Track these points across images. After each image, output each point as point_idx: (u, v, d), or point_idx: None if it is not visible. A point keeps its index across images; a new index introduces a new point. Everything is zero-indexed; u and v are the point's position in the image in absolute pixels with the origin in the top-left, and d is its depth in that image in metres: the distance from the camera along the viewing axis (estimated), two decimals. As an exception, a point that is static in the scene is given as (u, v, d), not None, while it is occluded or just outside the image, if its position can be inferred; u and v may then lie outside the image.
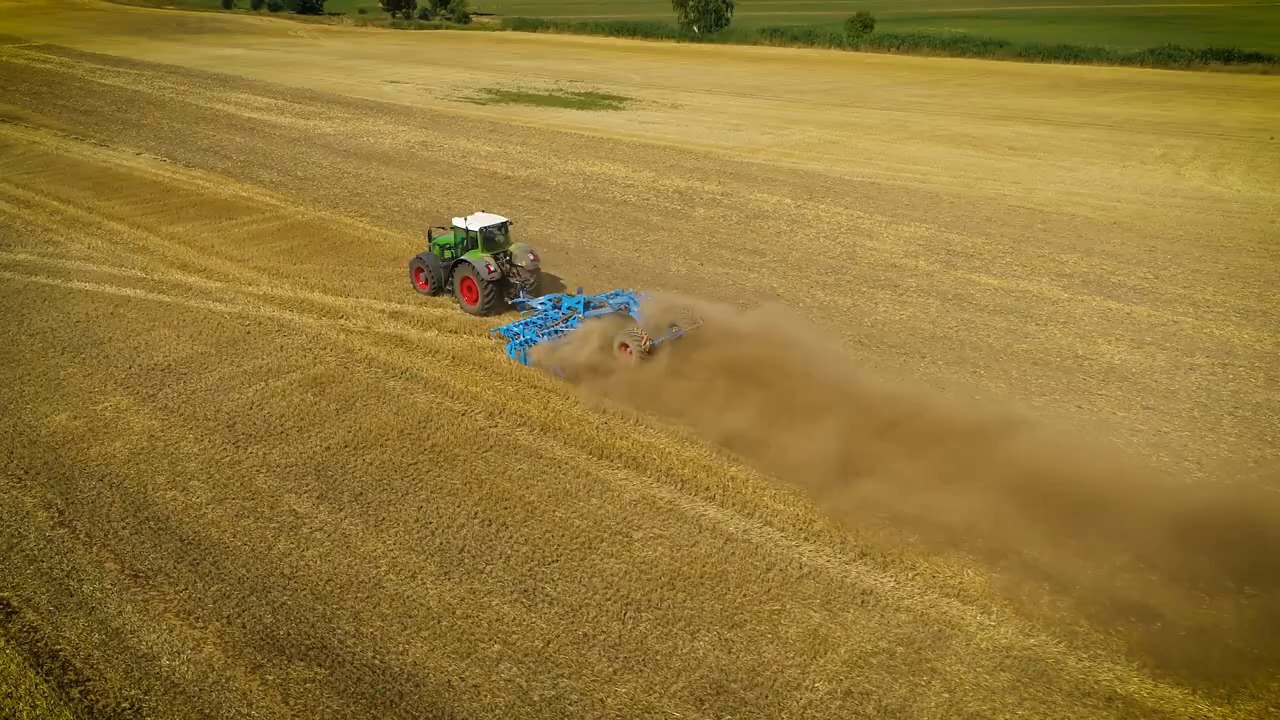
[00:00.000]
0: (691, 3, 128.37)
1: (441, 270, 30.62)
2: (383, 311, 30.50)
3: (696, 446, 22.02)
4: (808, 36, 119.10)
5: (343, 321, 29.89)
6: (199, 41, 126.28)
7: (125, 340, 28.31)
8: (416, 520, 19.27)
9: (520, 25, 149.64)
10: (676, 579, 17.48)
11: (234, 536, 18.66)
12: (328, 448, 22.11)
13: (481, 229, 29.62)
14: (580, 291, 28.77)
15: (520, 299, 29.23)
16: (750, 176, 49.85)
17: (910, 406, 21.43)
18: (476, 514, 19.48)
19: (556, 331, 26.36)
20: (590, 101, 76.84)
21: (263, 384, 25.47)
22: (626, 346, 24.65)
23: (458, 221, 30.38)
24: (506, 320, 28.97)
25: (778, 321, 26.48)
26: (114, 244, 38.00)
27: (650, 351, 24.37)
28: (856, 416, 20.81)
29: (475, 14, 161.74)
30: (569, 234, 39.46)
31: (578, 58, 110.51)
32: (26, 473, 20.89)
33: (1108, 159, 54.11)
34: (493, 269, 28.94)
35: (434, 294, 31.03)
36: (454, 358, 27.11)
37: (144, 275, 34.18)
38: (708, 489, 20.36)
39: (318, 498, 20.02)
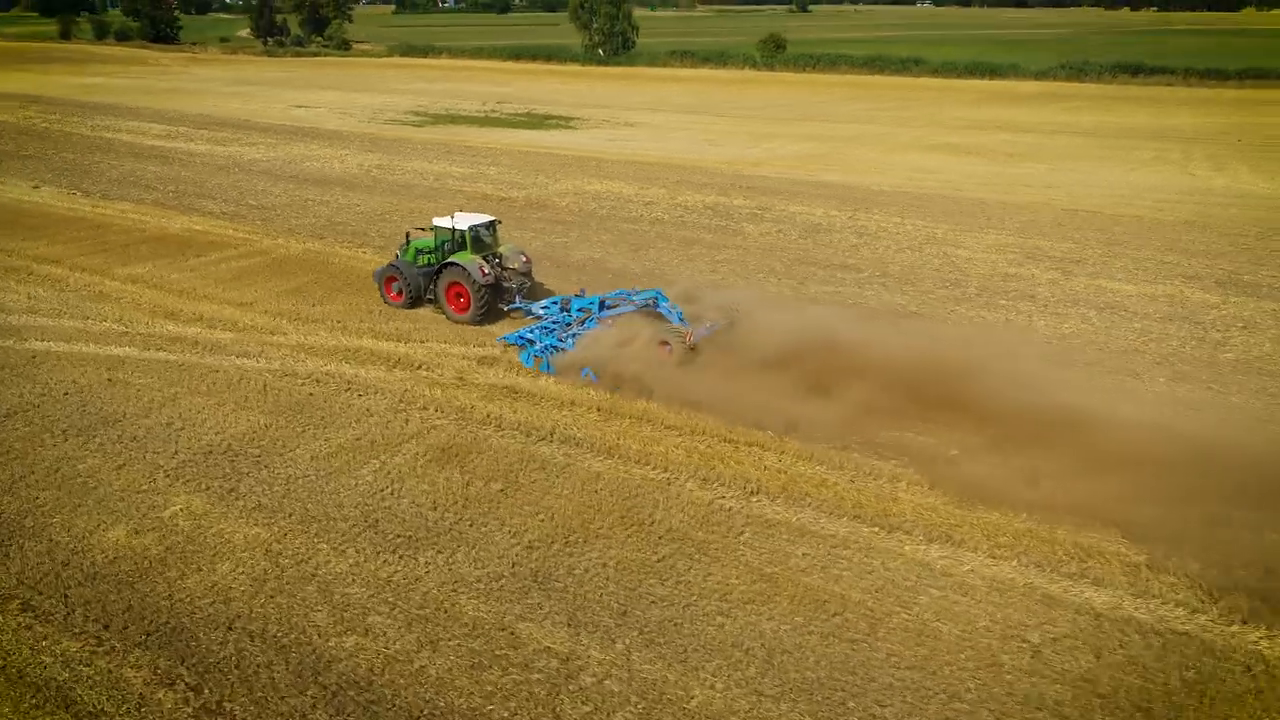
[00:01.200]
0: (596, 25, 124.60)
1: (420, 278, 27.15)
2: (470, 358, 24.35)
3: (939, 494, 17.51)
4: (720, 58, 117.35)
5: (426, 373, 23.57)
6: (49, 70, 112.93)
7: (149, 415, 21.10)
8: (734, 645, 13.62)
9: (408, 51, 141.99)
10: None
11: (493, 704, 12.50)
12: (528, 546, 16.08)
13: (470, 228, 26.34)
14: (582, 292, 26.48)
15: (517, 304, 26.46)
16: (773, 190, 45.82)
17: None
18: (802, 626, 14.02)
19: (573, 335, 24.00)
20: (536, 122, 71.41)
21: (377, 462, 19.02)
22: (667, 344, 22.57)
23: (440, 221, 27.07)
24: (498, 329, 26.04)
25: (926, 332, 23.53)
26: (62, 291, 30.03)
27: (693, 348, 22.44)
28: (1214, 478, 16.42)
29: (355, 41, 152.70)
30: (623, 257, 34.11)
31: (488, 81, 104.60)
32: (107, 627, 13.93)
33: (1111, 162, 53.18)
34: (487, 272, 25.76)
35: (410, 306, 27.50)
36: (599, 409, 21.40)
37: (124, 329, 26.64)
38: (1056, 561, 15.60)
39: (568, 624, 14.05)
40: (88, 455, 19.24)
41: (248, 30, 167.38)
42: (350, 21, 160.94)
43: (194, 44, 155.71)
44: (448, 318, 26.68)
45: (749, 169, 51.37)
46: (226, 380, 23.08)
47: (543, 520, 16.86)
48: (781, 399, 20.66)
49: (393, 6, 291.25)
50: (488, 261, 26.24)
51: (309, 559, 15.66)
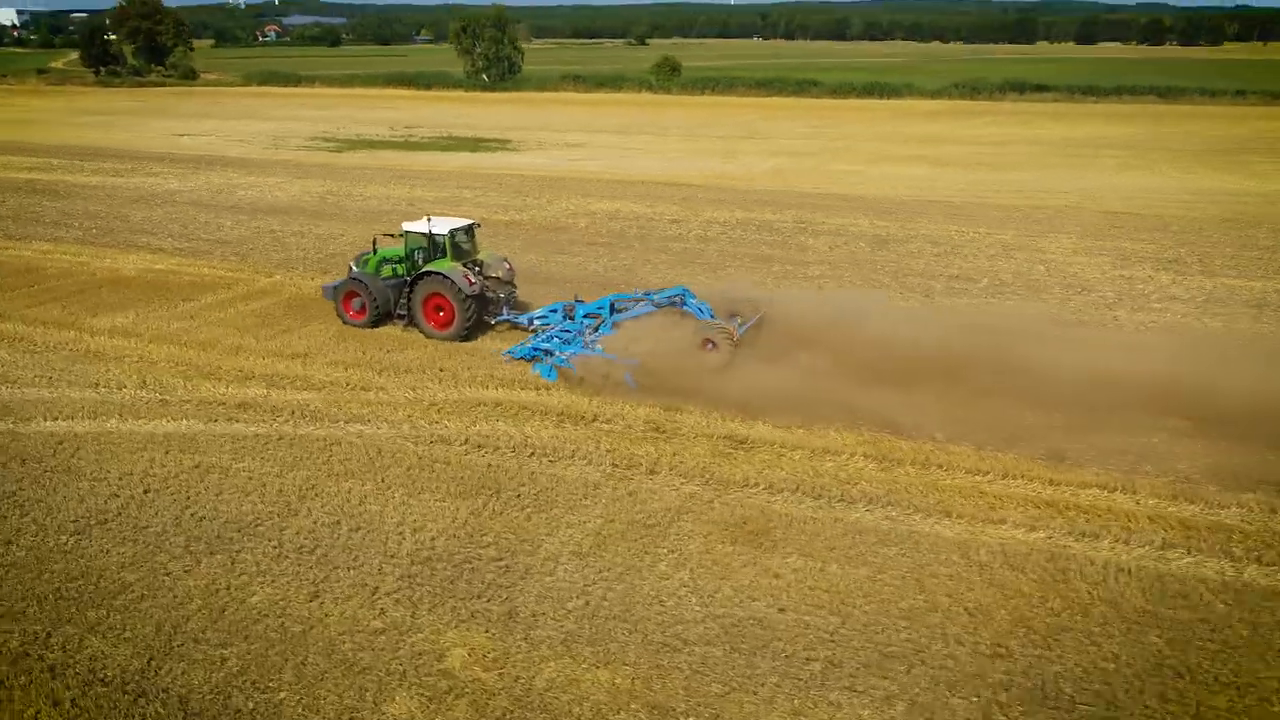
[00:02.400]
0: (480, 50, 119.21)
1: (390, 291, 24.13)
2: (650, 404, 19.50)
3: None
4: (614, 81, 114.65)
5: (608, 425, 18.63)
6: None
7: (297, 514, 15.19)
8: None
9: (268, 80, 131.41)
10: None
11: None
12: (994, 654, 11.70)
13: (451, 232, 23.42)
14: (577, 298, 24.12)
15: (504, 316, 23.94)
16: (793, 204, 42.77)
17: None
18: None
19: (578, 341, 21.83)
20: (468, 145, 65.76)
21: (662, 551, 14.07)
22: (711, 343, 20.59)
23: (412, 226, 24.03)
24: (488, 345, 23.35)
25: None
26: (33, 352, 22.98)
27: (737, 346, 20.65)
28: None
29: (201, 71, 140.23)
30: (706, 277, 29.78)
31: (376, 107, 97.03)
32: None
33: (1085, 168, 53.47)
34: (473, 281, 23.06)
35: (374, 324, 24.25)
36: (865, 455, 17.19)
37: (159, 396, 20.16)
38: None
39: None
40: (256, 583, 13.27)
41: (72, 60, 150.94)
42: (192, 50, 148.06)
43: (2, 75, 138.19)
44: (425, 335, 23.59)
45: (743, 184, 48.24)
46: (362, 456, 17.31)
47: (974, 620, 12.51)
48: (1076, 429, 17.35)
49: (211, 40, 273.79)
50: (469, 270, 23.38)
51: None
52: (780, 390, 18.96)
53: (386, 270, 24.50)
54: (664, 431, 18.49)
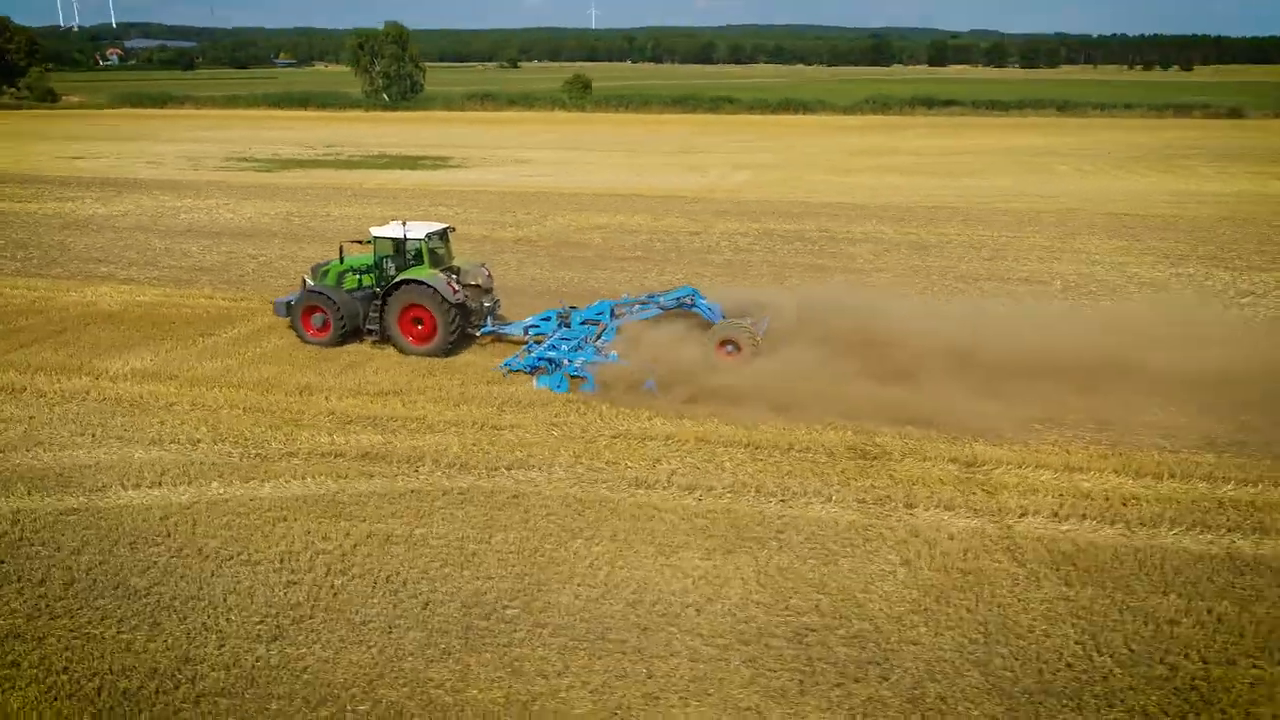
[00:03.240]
0: (379, 68, 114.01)
1: (358, 304, 22.02)
2: (954, 461, 17.18)
3: None
4: (525, 100, 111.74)
5: (991, 483, 16.19)
6: None
7: (560, 589, 12.11)
8: None
9: (140, 102, 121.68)
10: None
11: None
12: None
13: (428, 237, 21.57)
14: (562, 304, 22.18)
15: (489, 327, 22.12)
16: (798, 214, 41.45)
17: None
18: None
19: (589, 349, 20.16)
20: (407, 163, 61.64)
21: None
22: (731, 345, 19.27)
23: (383, 231, 21.91)
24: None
25: None
26: (49, 406, 18.68)
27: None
28: None
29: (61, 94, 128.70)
30: (774, 288, 27.76)
31: (275, 126, 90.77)
32: None
33: (1046, 174, 54.61)
34: (458, 290, 21.27)
35: (339, 341, 21.95)
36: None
37: (250, 450, 16.55)
38: None
39: None
40: (567, 688, 10.15)
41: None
42: (50, 70, 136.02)
43: None
44: (400, 351, 21.53)
45: (730, 195, 46.70)
46: (564, 509, 14.28)
47: None
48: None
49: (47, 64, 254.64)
50: (449, 277, 21.54)
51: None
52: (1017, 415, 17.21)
53: (350, 281, 22.39)
54: (870, 456, 16.21)
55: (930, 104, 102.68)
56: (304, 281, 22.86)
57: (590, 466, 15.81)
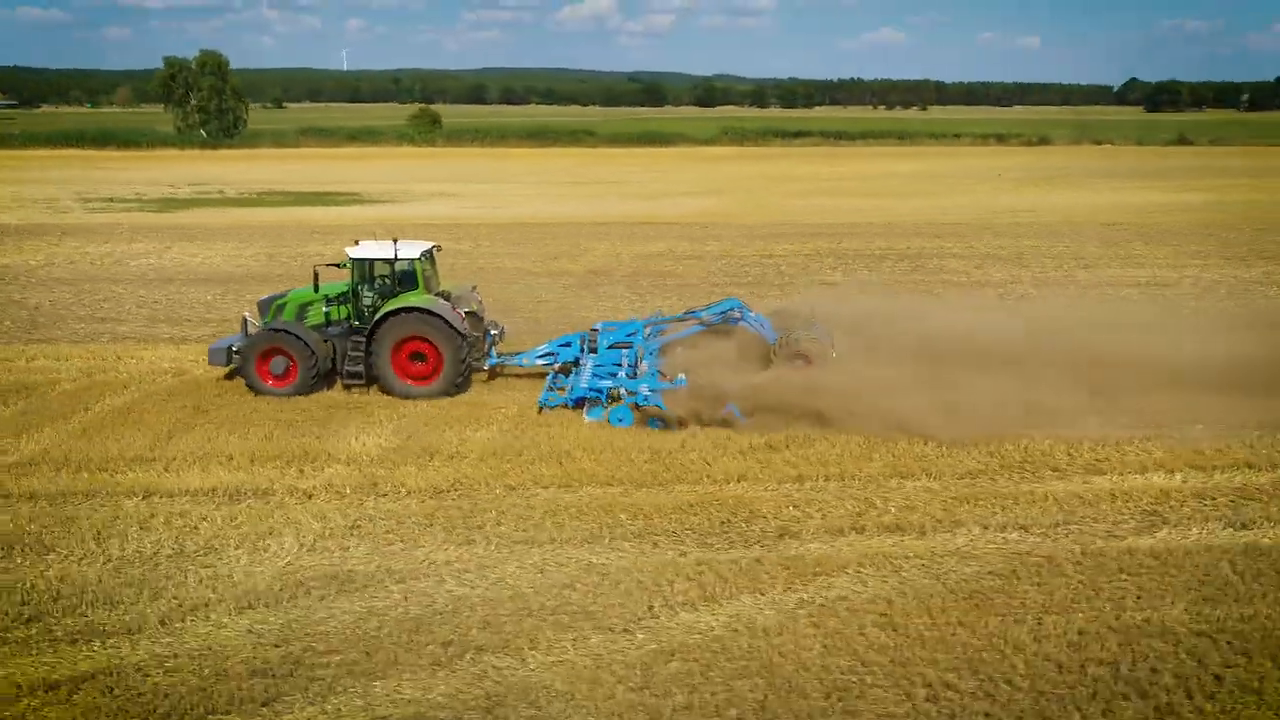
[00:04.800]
0: (195, 102, 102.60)
1: (334, 341, 18.87)
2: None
3: None
4: (369, 134, 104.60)
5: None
6: None
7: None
8: None
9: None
10: None
11: None
12: None
13: (423, 256, 18.90)
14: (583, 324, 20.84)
15: (496, 359, 19.82)
16: (811, 235, 40.81)
17: None
18: None
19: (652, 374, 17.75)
20: (314, 199, 54.99)
21: None
22: (803, 357, 17.93)
23: (365, 252, 18.82)
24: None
25: None
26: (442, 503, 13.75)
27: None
28: None
29: None
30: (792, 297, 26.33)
31: (106, 167, 78.67)
32: None
33: (985, 191, 57.38)
34: (464, 318, 18.82)
35: (308, 389, 18.39)
36: None
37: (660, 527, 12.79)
38: None
39: None
40: None
41: None
42: None
43: None
44: (393, 394, 18.33)
45: (717, 220, 45.26)
46: (1034, 574, 11.87)
47: None
48: None
49: None
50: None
51: None
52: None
53: (315, 315, 19.11)
54: None
55: (782, 134, 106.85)
56: (245, 321, 19.33)
57: (1014, 520, 13.44)
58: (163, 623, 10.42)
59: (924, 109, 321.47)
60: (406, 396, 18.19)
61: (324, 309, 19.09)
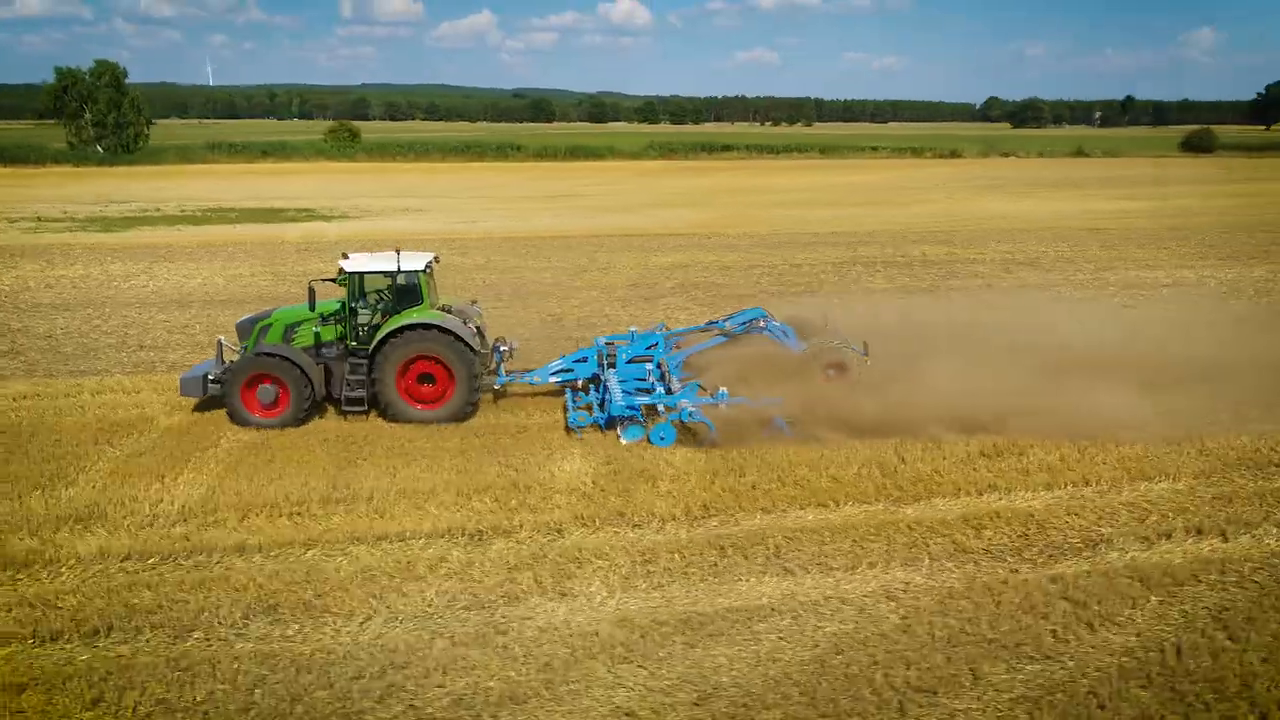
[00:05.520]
0: (88, 116, 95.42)
1: (332, 364, 17.28)
2: None
3: None
4: (282, 149, 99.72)
5: None
6: None
7: None
8: None
9: None
10: None
11: None
12: None
13: (427, 268, 17.50)
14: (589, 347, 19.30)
15: (505, 377, 18.21)
16: (835, 244, 40.68)
17: None
18: None
19: (691, 388, 17.07)
20: (268, 215, 51.71)
21: None
22: (836, 368, 17.48)
23: (363, 264, 17.17)
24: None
25: None
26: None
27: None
28: None
29: None
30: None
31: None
32: None
33: (936, 202, 58.98)
34: (474, 333, 17.64)
35: (301, 420, 16.69)
36: None
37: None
38: None
39: None
40: None
41: None
42: None
43: None
44: (397, 419, 16.78)
45: (727, 231, 44.69)
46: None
47: None
48: None
49: None
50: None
51: None
52: None
53: (304, 336, 17.34)
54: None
55: (710, 149, 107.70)
56: (220, 345, 17.66)
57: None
58: (549, 689, 8.99)
59: (809, 125, 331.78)
60: (410, 421, 16.69)
61: (314, 329, 17.36)
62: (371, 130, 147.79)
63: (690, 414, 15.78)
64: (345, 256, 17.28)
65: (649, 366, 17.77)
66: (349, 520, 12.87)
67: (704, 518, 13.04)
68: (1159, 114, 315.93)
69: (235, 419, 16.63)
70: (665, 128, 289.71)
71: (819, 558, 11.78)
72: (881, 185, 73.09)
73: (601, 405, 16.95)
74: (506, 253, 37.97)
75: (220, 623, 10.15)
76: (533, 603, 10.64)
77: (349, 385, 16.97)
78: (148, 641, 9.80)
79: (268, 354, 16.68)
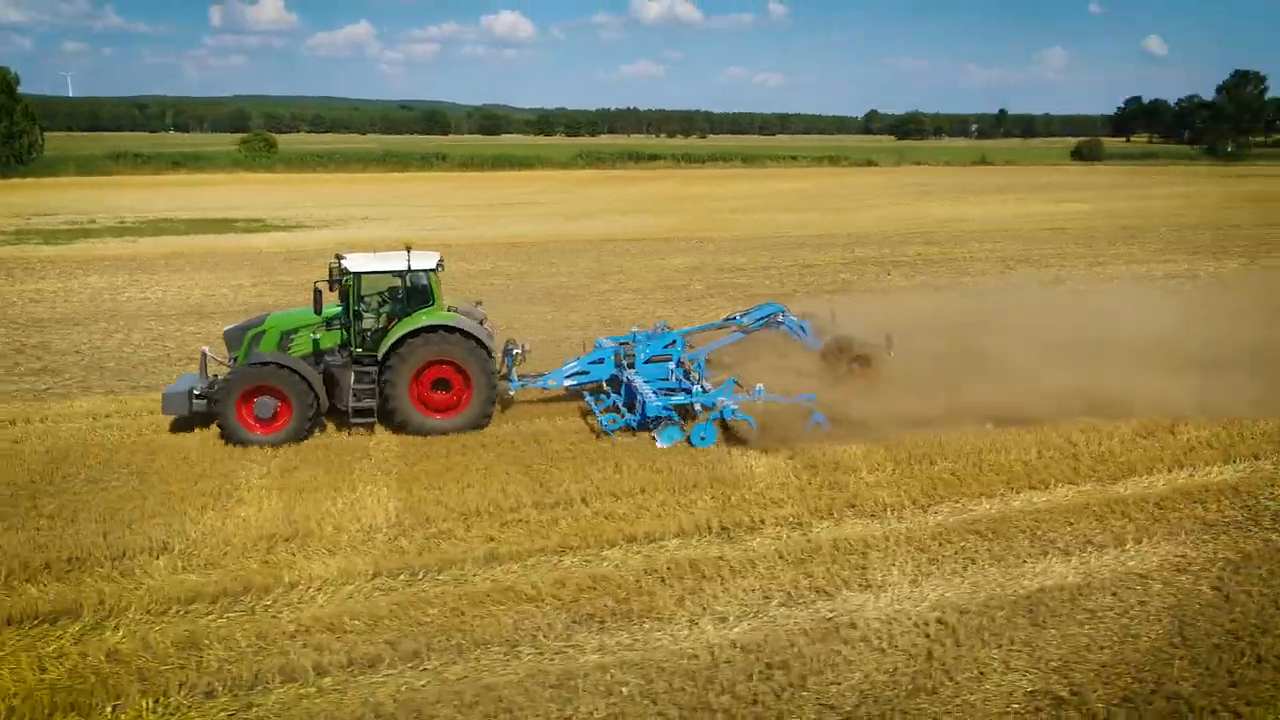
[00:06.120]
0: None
1: (337, 372, 15.95)
2: None
3: None
4: (195, 160, 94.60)
5: None
6: None
7: None
8: None
9: None
10: None
11: None
12: None
13: (439, 266, 16.41)
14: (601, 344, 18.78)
15: (518, 382, 17.08)
16: (838, 244, 41.36)
17: None
18: None
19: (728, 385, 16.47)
20: (217, 226, 48.94)
21: None
22: (860, 361, 17.25)
23: (369, 264, 15.99)
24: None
25: None
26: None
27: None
28: None
29: None
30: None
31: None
32: None
33: (909, 203, 60.78)
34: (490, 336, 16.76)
35: (304, 435, 15.35)
36: None
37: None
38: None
39: None
40: None
41: None
42: None
43: None
44: (409, 429, 15.67)
45: (707, 235, 44.84)
46: None
47: None
48: None
49: None
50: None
51: None
52: None
53: (301, 343, 15.99)
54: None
55: (637, 157, 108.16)
56: (204, 357, 16.32)
57: None
58: (949, 677, 8.72)
59: (703, 136, 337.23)
60: (421, 432, 15.58)
61: (312, 335, 16.02)
62: (308, 142, 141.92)
63: (733, 411, 15.29)
64: (338, 257, 16.04)
65: (670, 366, 17.37)
66: (582, 524, 12.23)
67: (931, 504, 13.00)
68: (1027, 127, 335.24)
69: (231, 438, 15.08)
70: (561, 140, 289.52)
71: (1081, 537, 11.89)
72: (817, 192, 74.80)
73: (630, 407, 16.26)
74: (507, 258, 37.01)
75: (544, 635, 9.46)
76: (846, 595, 10.36)
77: (355, 395, 15.64)
78: (479, 660, 9.05)
79: (268, 363, 15.19)
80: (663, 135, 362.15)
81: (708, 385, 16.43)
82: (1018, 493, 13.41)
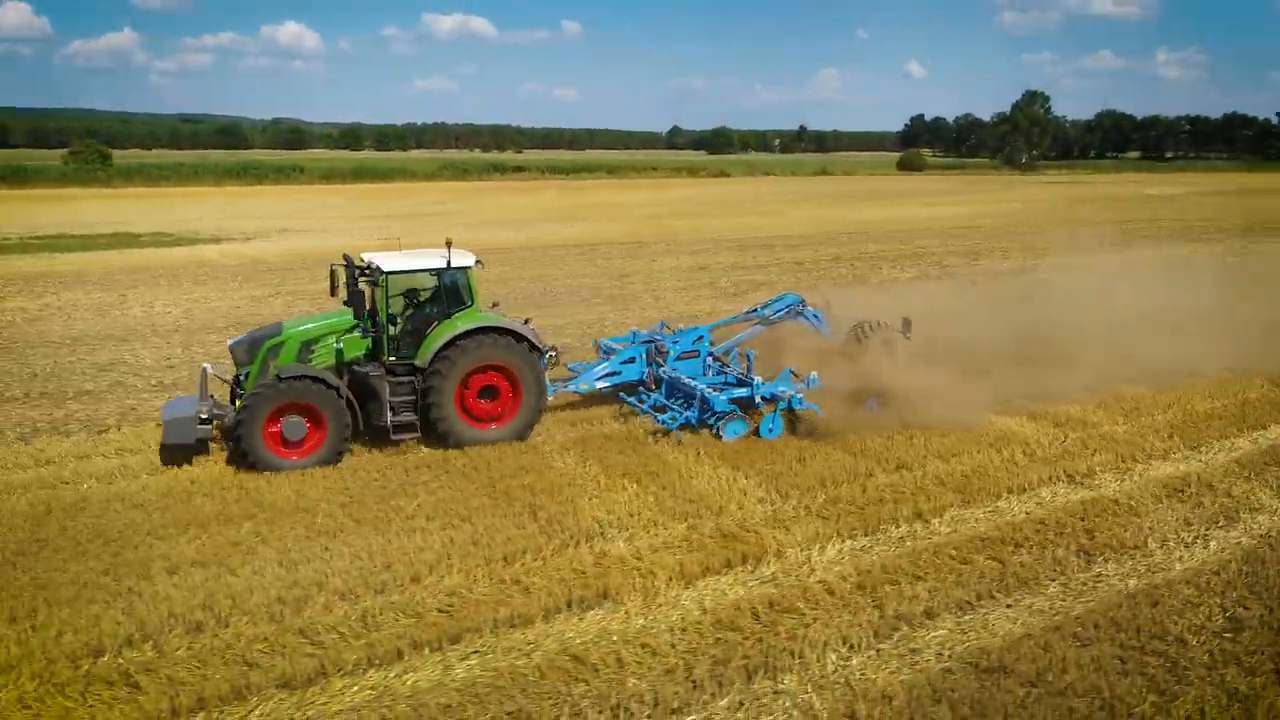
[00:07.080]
0: None
1: (375, 383, 14.46)
2: None
3: None
4: (16, 175, 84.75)
5: None
6: None
7: None
8: None
9: None
10: None
11: None
12: None
13: (478, 264, 15.35)
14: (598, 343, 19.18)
15: (551, 386, 16.00)
16: (819, 243, 43.75)
17: None
18: None
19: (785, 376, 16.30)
20: (119, 241, 45.08)
21: None
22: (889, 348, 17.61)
23: (402, 262, 14.77)
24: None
25: None
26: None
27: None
28: None
29: None
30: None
31: None
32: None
33: (827, 209, 64.45)
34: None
35: (334, 458, 13.84)
36: None
37: None
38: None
39: None
40: None
41: None
42: None
43: None
44: (454, 442, 14.49)
45: (670, 238, 46.16)
46: None
47: None
48: None
49: None
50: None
51: None
52: None
53: (323, 353, 14.43)
54: None
55: (502, 169, 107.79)
56: (204, 375, 14.58)
57: None
58: None
59: (519, 151, 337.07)
60: (462, 445, 14.36)
61: (335, 344, 14.38)
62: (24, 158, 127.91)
63: (800, 401, 15.54)
64: (346, 258, 14.82)
65: (708, 360, 17.33)
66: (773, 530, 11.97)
67: (1131, 467, 14.12)
68: (820, 142, 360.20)
69: (258, 464, 13.32)
70: (371, 154, 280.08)
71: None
72: (717, 200, 77.89)
73: (684, 404, 15.97)
74: (509, 263, 36.59)
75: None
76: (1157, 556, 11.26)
77: (394, 409, 14.23)
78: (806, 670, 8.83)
79: (300, 377, 13.43)
80: (475, 150, 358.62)
81: (759, 377, 15.84)
82: (1164, 459, 14.56)
